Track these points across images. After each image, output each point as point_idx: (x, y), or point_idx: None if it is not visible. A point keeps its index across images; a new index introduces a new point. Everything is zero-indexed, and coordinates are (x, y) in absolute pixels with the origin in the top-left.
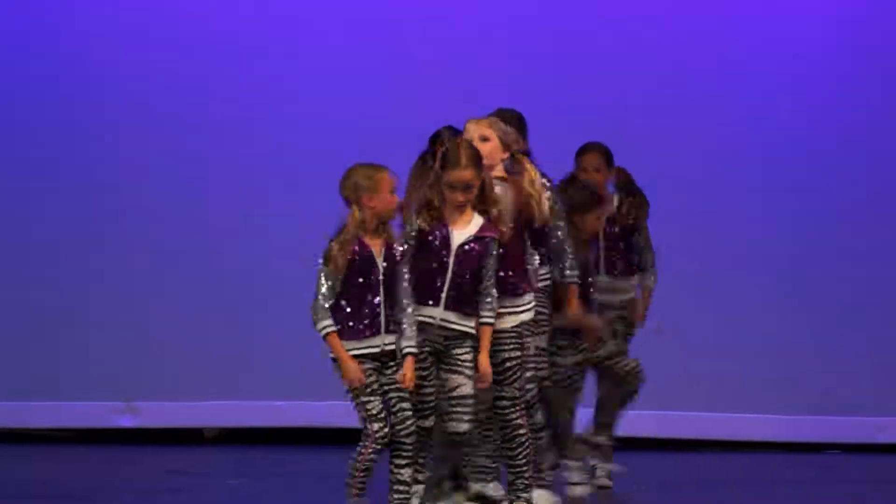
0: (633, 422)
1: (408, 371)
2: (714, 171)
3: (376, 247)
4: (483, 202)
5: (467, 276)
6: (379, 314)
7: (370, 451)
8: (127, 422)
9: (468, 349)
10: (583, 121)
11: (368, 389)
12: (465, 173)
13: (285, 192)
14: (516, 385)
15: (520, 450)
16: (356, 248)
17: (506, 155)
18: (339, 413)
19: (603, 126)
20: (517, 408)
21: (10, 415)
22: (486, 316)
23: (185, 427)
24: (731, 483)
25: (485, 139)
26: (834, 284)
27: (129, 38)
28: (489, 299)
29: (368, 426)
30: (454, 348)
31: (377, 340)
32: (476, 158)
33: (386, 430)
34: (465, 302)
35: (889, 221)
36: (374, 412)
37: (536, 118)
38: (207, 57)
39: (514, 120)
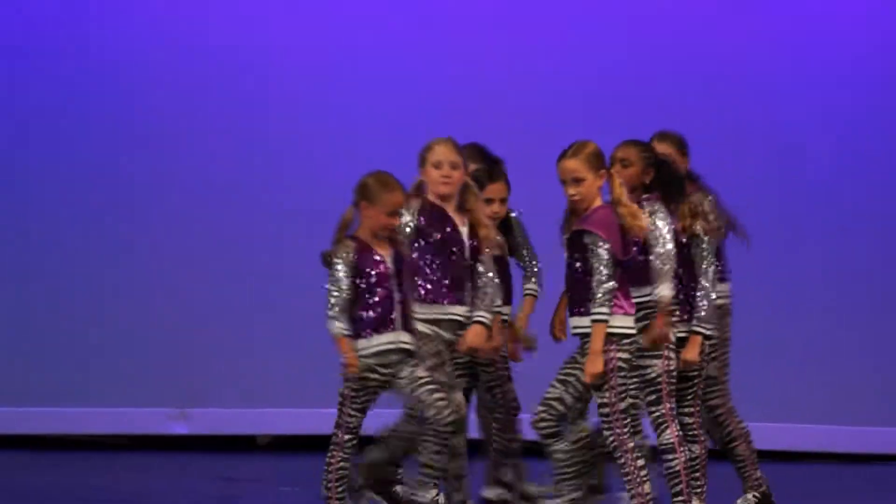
0: None
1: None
2: (737, 173)
3: (380, 248)
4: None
5: None
6: (392, 312)
7: (338, 459)
8: (181, 428)
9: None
10: (603, 121)
11: (356, 403)
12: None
13: (334, 199)
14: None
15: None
16: (357, 250)
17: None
18: (391, 422)
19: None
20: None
21: (65, 421)
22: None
23: (238, 434)
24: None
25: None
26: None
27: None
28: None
29: (339, 435)
30: None
31: (387, 337)
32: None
33: (355, 442)
34: None
35: None
36: (351, 425)
37: (556, 120)
38: (211, 59)
39: (675, 141)
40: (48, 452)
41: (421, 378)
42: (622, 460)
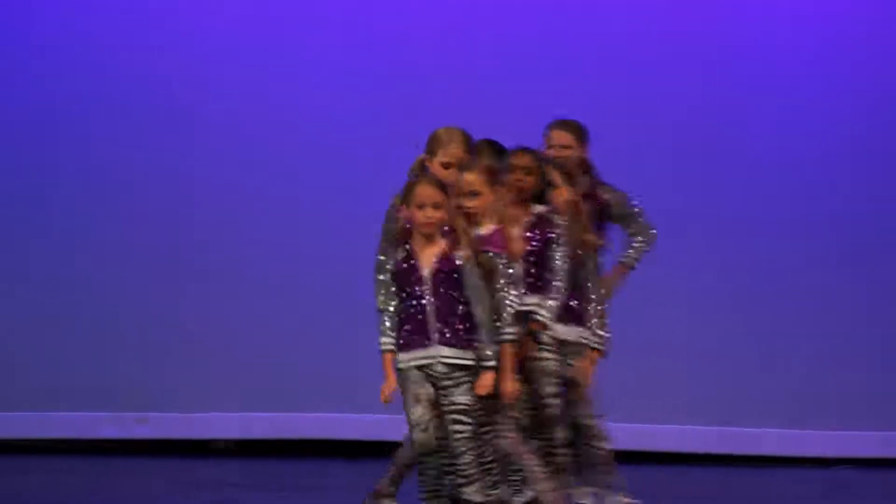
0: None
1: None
2: (706, 173)
3: (425, 254)
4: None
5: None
6: (426, 324)
7: (409, 455)
8: (141, 432)
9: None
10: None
11: (413, 398)
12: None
13: (291, 205)
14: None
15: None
16: (402, 254)
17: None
18: (349, 425)
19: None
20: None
21: (25, 426)
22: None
23: (198, 438)
24: (739, 498)
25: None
26: (845, 300)
27: (136, 41)
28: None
29: (411, 434)
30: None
31: (425, 352)
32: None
33: (425, 440)
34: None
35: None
36: (414, 420)
37: (535, 120)
38: (210, 59)
39: (574, 129)
40: (7, 457)
41: (454, 404)
42: (522, 462)
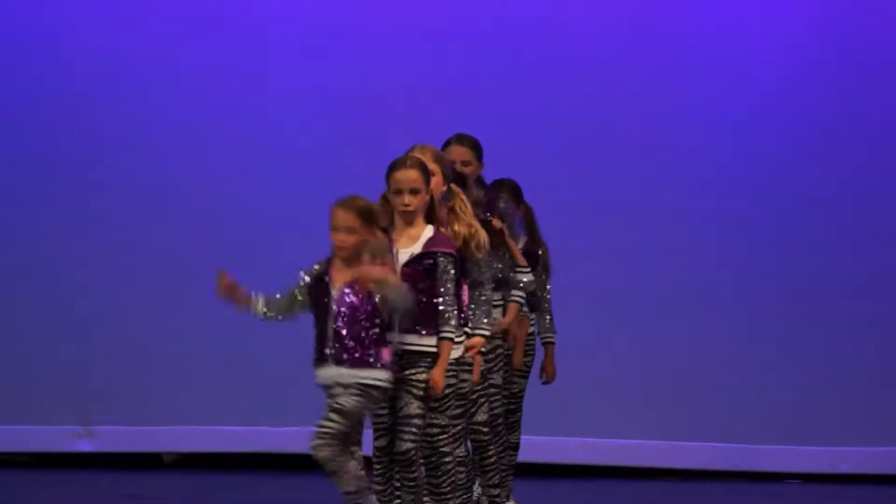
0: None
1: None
2: (673, 174)
3: (340, 276)
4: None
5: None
6: (326, 344)
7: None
8: (85, 446)
9: (422, 369)
10: (541, 124)
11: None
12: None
13: (242, 222)
14: (447, 413)
15: (444, 477)
16: (319, 271)
17: (445, 188)
18: (295, 439)
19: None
20: (446, 435)
21: None
22: (445, 331)
23: (143, 452)
24: None
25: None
26: (794, 312)
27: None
28: (448, 315)
29: None
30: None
31: (321, 372)
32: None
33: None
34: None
35: (848, 238)
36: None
37: (507, 125)
38: (204, 59)
39: (473, 145)
40: None
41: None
42: (454, 476)
